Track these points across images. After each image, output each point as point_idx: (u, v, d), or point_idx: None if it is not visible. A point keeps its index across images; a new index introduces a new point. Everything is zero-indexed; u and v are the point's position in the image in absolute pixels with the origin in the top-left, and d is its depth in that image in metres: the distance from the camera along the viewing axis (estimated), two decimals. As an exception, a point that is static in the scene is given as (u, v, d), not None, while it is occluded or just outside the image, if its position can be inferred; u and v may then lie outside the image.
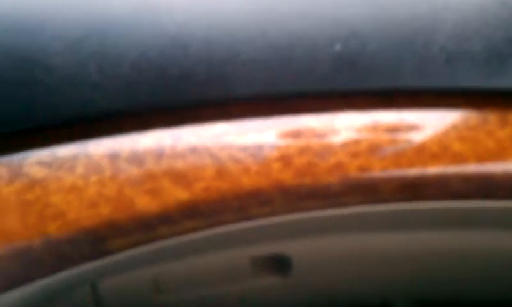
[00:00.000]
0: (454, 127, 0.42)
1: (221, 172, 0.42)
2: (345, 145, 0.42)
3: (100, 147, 0.44)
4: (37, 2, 0.45)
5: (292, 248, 0.53)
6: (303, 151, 0.42)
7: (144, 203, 0.42)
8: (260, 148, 0.43)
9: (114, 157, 0.43)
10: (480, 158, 0.42)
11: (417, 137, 0.42)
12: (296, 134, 0.43)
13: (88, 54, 0.44)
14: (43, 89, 0.44)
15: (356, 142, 0.42)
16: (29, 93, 0.44)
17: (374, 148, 0.42)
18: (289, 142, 0.43)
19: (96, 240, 0.43)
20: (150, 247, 0.44)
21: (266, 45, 0.43)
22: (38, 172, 0.44)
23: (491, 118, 0.44)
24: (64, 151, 0.44)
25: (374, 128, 0.42)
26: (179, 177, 0.43)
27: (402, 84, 0.42)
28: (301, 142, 0.43)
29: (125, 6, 0.45)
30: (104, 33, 0.44)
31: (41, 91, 0.44)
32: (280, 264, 0.56)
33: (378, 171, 0.41)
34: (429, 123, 0.42)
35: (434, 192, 0.42)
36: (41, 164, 0.44)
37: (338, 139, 0.42)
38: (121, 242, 0.43)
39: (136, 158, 0.43)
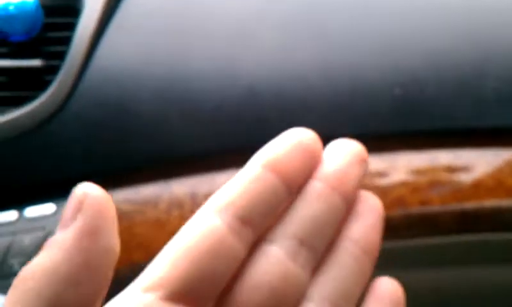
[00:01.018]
0: (508, 163, 0.45)
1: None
2: (405, 181, 0.46)
3: (181, 186, 0.49)
4: (127, 55, 0.50)
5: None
6: (365, 187, 0.46)
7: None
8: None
9: (194, 194, 0.48)
10: (533, 192, 0.45)
11: (473, 173, 0.45)
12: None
13: (171, 102, 0.49)
14: (132, 134, 0.49)
15: (416, 178, 0.46)
16: (119, 138, 0.49)
17: (433, 184, 0.45)
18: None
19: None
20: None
21: (331, 91, 0.47)
22: (124, 207, 0.48)
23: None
24: (149, 189, 0.49)
25: (433, 165, 0.46)
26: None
27: (458, 124, 0.45)
28: (364, 179, 0.46)
29: (204, 58, 0.50)
30: (186, 83, 0.49)
31: (130, 136, 0.49)
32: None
33: (437, 205, 0.45)
34: (484, 160, 0.46)
35: (490, 224, 0.45)
36: (128, 201, 0.49)
37: (399, 176, 0.46)
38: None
39: (214, 195, 0.48)
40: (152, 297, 0.26)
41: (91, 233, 0.21)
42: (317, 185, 0.29)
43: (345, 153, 0.30)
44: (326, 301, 0.28)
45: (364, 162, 0.31)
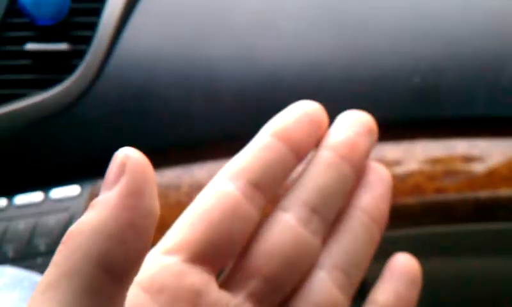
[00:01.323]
0: (523, 153, 0.46)
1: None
2: (422, 169, 0.47)
3: (202, 169, 0.50)
4: (151, 40, 0.51)
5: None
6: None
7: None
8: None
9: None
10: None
11: (488, 162, 0.46)
12: (377, 160, 0.48)
13: (194, 87, 0.50)
14: (156, 118, 0.50)
15: (433, 166, 0.47)
16: (143, 122, 0.50)
17: (448, 172, 0.46)
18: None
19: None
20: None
21: (350, 79, 0.48)
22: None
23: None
24: (172, 173, 0.50)
25: (449, 153, 0.47)
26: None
27: (474, 113, 0.46)
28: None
29: (227, 44, 0.51)
30: (208, 69, 0.50)
31: (154, 120, 0.50)
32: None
33: (453, 193, 0.46)
34: (499, 149, 0.46)
35: (505, 213, 0.46)
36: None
37: (415, 164, 0.47)
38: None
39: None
40: (174, 260, 0.27)
41: (135, 193, 0.21)
42: (326, 154, 0.30)
43: (353, 123, 0.31)
44: (336, 268, 0.29)
45: (372, 132, 0.31)
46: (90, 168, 0.51)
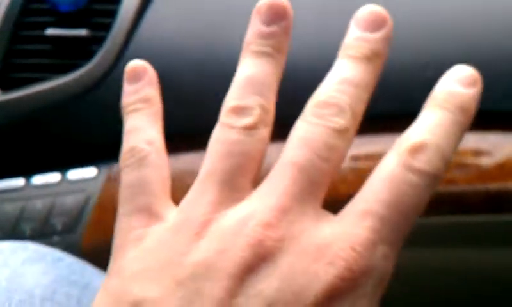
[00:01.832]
0: (533, 147, 0.47)
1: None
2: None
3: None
4: (169, 29, 0.52)
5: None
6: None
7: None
8: (355, 160, 0.48)
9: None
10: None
11: (497, 156, 0.47)
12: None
13: (210, 74, 0.51)
14: (172, 104, 0.51)
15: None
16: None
17: (459, 164, 0.47)
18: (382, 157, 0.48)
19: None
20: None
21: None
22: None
23: None
24: (188, 157, 0.51)
25: (460, 147, 0.48)
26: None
27: (485, 106, 0.47)
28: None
29: (243, 34, 0.51)
30: (225, 57, 0.51)
31: (170, 106, 0.51)
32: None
33: (463, 185, 0.47)
34: (509, 144, 0.47)
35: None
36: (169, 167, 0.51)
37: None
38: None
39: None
40: None
41: None
42: None
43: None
44: None
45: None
46: (107, 151, 0.52)
